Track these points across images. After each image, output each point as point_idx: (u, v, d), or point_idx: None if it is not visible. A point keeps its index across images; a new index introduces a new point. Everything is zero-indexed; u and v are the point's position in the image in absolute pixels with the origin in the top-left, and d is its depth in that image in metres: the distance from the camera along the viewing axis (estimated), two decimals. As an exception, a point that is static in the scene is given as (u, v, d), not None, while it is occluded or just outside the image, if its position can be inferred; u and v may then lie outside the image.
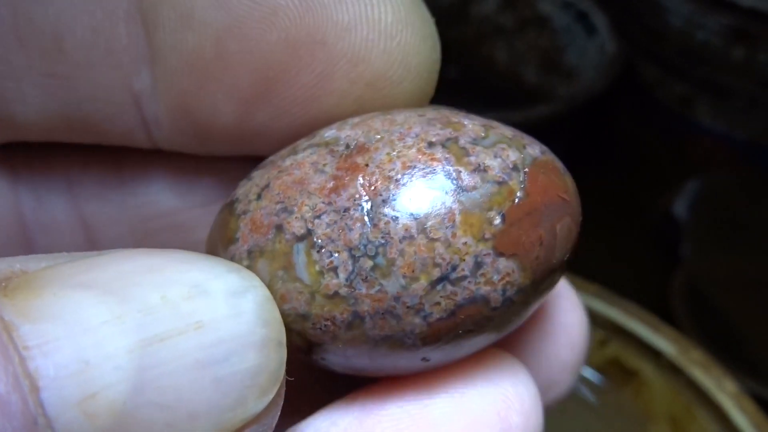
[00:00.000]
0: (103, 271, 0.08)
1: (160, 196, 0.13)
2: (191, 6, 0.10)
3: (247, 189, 0.10)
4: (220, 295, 0.08)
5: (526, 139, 0.10)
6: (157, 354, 0.07)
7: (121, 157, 0.13)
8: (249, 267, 0.09)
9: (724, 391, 0.26)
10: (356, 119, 0.10)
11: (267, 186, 0.10)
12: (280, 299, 0.09)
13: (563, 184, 0.10)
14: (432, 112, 0.10)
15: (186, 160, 0.13)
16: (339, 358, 0.10)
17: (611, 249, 0.41)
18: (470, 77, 0.48)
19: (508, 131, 0.10)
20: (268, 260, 0.09)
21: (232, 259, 0.10)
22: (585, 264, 0.32)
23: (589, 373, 0.29)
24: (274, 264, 0.09)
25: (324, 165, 0.10)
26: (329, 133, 0.10)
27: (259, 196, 0.10)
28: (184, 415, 0.07)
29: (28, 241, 0.12)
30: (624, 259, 0.41)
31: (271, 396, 0.08)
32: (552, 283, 0.10)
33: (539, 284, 0.10)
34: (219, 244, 0.10)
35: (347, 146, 0.10)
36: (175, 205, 0.13)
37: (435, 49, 0.11)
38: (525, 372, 0.10)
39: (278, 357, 0.08)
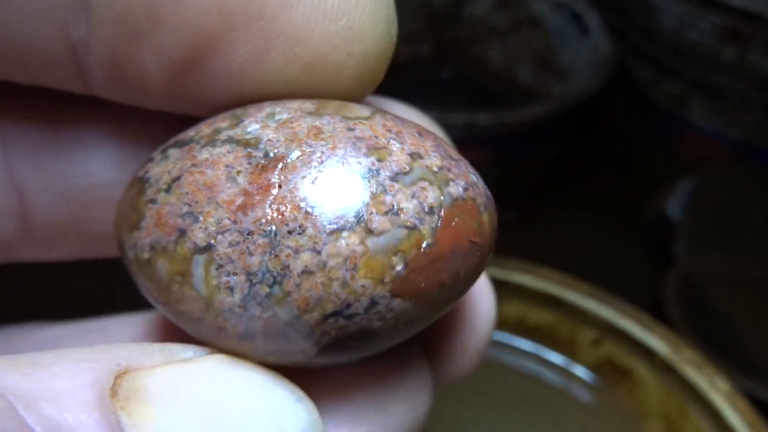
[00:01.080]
0: (197, 387, 0.08)
1: (99, 167, 0.12)
2: None
3: (159, 172, 0.10)
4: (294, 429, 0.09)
5: (454, 171, 0.10)
6: None
7: (60, 119, 0.12)
8: (149, 260, 0.09)
9: (718, 390, 0.26)
10: (284, 115, 0.10)
11: (178, 179, 0.10)
12: (176, 301, 0.09)
13: (477, 226, 0.10)
14: (363, 126, 0.10)
15: (126, 130, 0.12)
16: (230, 351, 0.10)
17: (604, 248, 0.41)
18: (464, 77, 0.48)
19: (437, 160, 0.10)
20: (167, 261, 0.09)
21: (134, 245, 0.10)
22: (578, 263, 0.32)
23: (583, 373, 0.30)
24: (173, 267, 0.09)
25: (238, 173, 0.09)
26: (252, 128, 0.10)
27: (168, 189, 0.10)
28: None
29: None
30: (617, 258, 0.41)
31: None
32: (450, 307, 0.10)
33: (436, 314, 0.10)
34: (124, 225, 0.10)
35: (266, 154, 0.09)
36: (113, 177, 0.12)
37: (388, 36, 0.10)
38: (428, 387, 0.11)
39: None
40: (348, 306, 0.09)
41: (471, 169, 0.10)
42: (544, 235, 0.41)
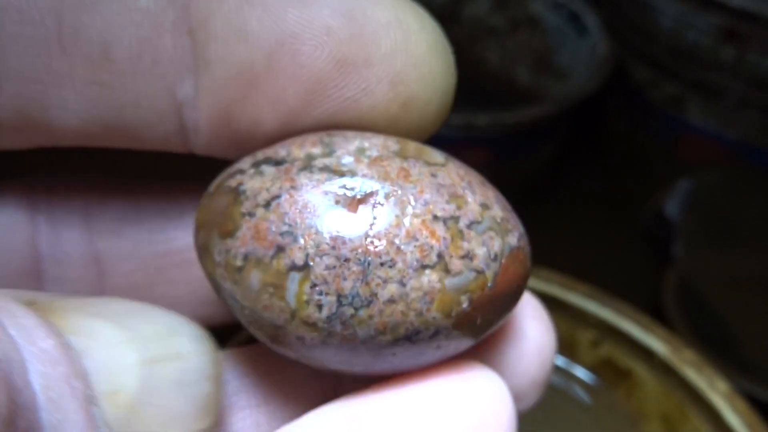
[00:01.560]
0: (105, 307, 0.10)
1: (176, 233, 0.13)
2: (244, 20, 0.10)
3: (256, 187, 0.11)
4: (187, 336, 0.10)
5: (512, 222, 0.11)
6: (153, 370, 0.09)
7: (141, 192, 0.13)
8: (240, 269, 0.10)
9: (717, 391, 0.26)
10: (374, 152, 0.11)
11: (278, 198, 0.10)
12: (262, 308, 0.10)
13: (524, 272, 0.12)
14: (443, 173, 0.11)
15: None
16: (296, 358, 0.11)
17: (603, 249, 0.41)
18: (462, 78, 0.48)
19: (499, 212, 0.11)
20: (262, 273, 0.10)
21: (227, 252, 0.11)
22: (577, 264, 0.32)
23: (582, 373, 0.30)
24: (267, 278, 0.10)
25: (336, 202, 0.10)
26: (346, 160, 0.11)
27: (268, 205, 0.10)
28: (169, 417, 0.09)
29: (39, 273, 0.13)
30: (616, 258, 0.41)
31: (214, 417, 0.10)
32: (489, 331, 0.12)
33: (481, 336, 0.11)
34: (215, 230, 0.11)
35: (361, 191, 0.10)
36: (190, 242, 0.13)
37: (454, 75, 0.12)
38: (503, 386, 0.11)
39: (220, 390, 0.10)
40: (417, 333, 0.10)
41: (518, 219, 0.12)
42: (543, 235, 0.41)
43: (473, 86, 0.47)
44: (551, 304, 0.29)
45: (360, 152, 0.11)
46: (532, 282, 0.29)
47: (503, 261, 0.11)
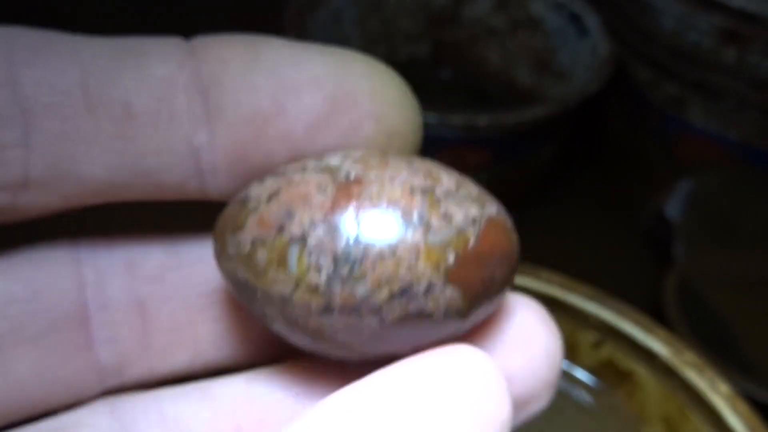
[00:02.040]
0: None
1: (216, 275, 0.14)
2: (252, 77, 0.13)
3: (259, 191, 0.13)
4: None
5: (488, 198, 0.13)
6: None
7: (181, 242, 0.15)
8: (250, 254, 0.12)
9: (718, 393, 0.26)
10: (357, 153, 0.13)
11: (277, 193, 0.12)
12: (270, 282, 0.12)
13: (508, 240, 0.13)
14: (419, 163, 0.13)
15: None
16: (306, 334, 0.12)
17: (603, 249, 0.41)
18: (463, 78, 0.48)
19: (474, 190, 0.13)
20: (267, 251, 0.12)
21: (237, 244, 0.12)
22: (577, 265, 0.32)
23: (583, 375, 0.29)
24: (271, 255, 0.12)
25: (326, 187, 0.12)
26: (334, 160, 0.13)
27: (269, 200, 0.12)
28: None
29: (86, 319, 0.14)
30: (616, 259, 0.41)
31: None
32: (489, 307, 0.13)
33: (476, 308, 0.12)
34: (228, 230, 0.13)
35: (347, 176, 0.12)
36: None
37: (418, 113, 0.14)
38: (493, 363, 0.11)
39: None
40: (411, 286, 0.12)
41: (498, 202, 0.13)
42: (543, 236, 0.41)
43: (473, 87, 0.47)
44: (552, 305, 0.29)
45: (346, 155, 0.13)
46: (533, 283, 0.29)
47: (483, 225, 0.12)
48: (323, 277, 0.12)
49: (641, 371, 0.28)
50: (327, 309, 0.12)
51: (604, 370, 0.29)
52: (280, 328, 0.13)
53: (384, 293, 0.11)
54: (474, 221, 0.12)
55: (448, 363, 0.11)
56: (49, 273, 0.13)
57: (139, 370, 0.14)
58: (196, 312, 0.14)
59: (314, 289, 0.12)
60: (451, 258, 0.12)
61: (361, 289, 0.11)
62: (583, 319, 0.29)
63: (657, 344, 0.27)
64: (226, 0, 0.51)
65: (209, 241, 0.15)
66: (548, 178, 0.44)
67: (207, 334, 0.14)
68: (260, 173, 0.13)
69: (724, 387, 0.26)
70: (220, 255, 0.13)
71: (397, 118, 0.13)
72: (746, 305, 0.36)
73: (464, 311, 0.12)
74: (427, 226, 0.12)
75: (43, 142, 0.12)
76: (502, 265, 0.12)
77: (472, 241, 0.12)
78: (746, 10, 0.35)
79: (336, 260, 0.11)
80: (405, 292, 0.12)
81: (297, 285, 0.12)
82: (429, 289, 0.12)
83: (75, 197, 0.13)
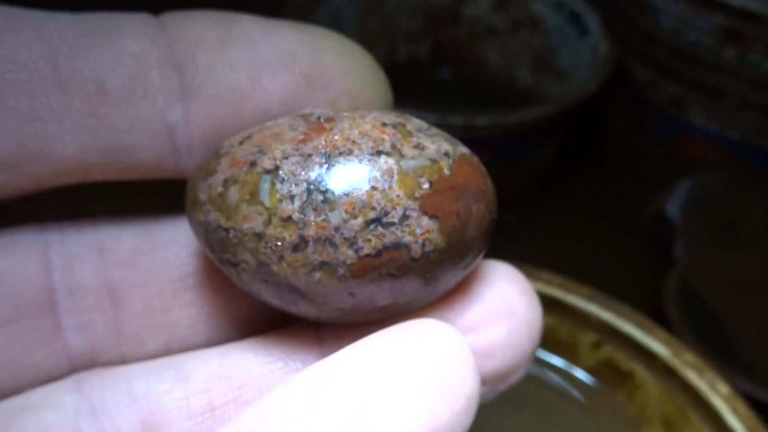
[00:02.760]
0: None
1: (191, 260, 0.14)
2: (227, 53, 0.13)
3: (232, 140, 0.12)
4: None
5: (460, 142, 0.13)
6: None
7: (154, 224, 0.14)
8: (221, 194, 0.12)
9: (718, 394, 0.26)
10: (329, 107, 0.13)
11: (249, 137, 0.12)
12: (242, 219, 0.12)
13: (483, 179, 0.13)
14: (390, 112, 0.13)
15: None
16: (280, 280, 0.12)
17: (603, 250, 0.41)
18: (463, 78, 0.48)
19: (446, 134, 0.13)
20: (239, 187, 0.12)
21: (208, 187, 0.12)
22: (577, 265, 0.32)
23: (583, 376, 0.29)
24: (243, 191, 0.12)
25: (298, 126, 0.12)
26: (308, 110, 0.13)
27: (241, 143, 0.12)
28: None
29: (53, 304, 0.13)
30: (616, 259, 0.41)
31: None
32: (467, 256, 0.12)
33: (454, 249, 0.12)
34: (200, 178, 0.12)
35: (318, 117, 0.12)
36: (205, 266, 0.14)
37: (390, 92, 0.14)
38: (461, 338, 0.11)
39: None
40: (386, 214, 0.11)
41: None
42: (543, 237, 0.41)
43: (474, 86, 0.47)
44: (552, 305, 0.29)
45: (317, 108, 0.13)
46: (533, 284, 0.29)
47: (456, 158, 0.12)
48: (296, 204, 0.11)
49: (641, 372, 0.28)
50: (301, 241, 0.11)
51: (604, 371, 0.29)
52: (252, 279, 0.12)
53: (359, 221, 0.11)
54: (447, 154, 0.12)
55: (416, 338, 0.11)
56: (14, 258, 0.13)
57: (111, 356, 0.14)
58: (170, 296, 0.14)
59: (287, 220, 0.11)
60: (425, 185, 0.11)
61: (334, 217, 0.11)
62: (583, 320, 0.29)
63: (657, 345, 0.27)
64: (227, 0, 0.52)
65: (183, 223, 0.14)
66: (548, 179, 0.44)
67: (182, 319, 0.14)
68: None
69: (724, 388, 0.26)
70: (192, 205, 0.12)
71: (370, 95, 0.13)
72: (747, 305, 0.36)
73: (442, 248, 0.12)
74: (399, 154, 0.12)
75: (11, 120, 0.12)
76: (479, 202, 0.12)
77: (446, 171, 0.12)
78: (747, 10, 0.35)
79: (309, 188, 0.11)
80: (379, 219, 0.11)
81: (270, 218, 0.11)
82: (404, 217, 0.11)
83: (46, 178, 0.13)
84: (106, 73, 0.12)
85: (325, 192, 0.11)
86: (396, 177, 0.11)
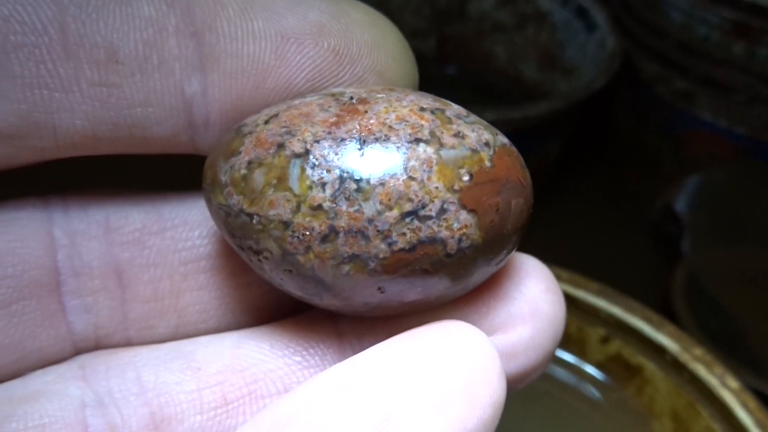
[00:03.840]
0: None
1: (203, 241, 0.13)
2: (250, 20, 0.12)
3: (256, 118, 0.11)
4: None
5: (499, 131, 0.12)
6: None
7: (163, 203, 0.13)
8: (245, 176, 0.11)
9: (727, 388, 0.25)
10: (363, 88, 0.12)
11: (276, 115, 0.11)
12: (268, 204, 0.11)
13: (522, 171, 0.12)
14: (427, 95, 0.12)
15: None
16: (305, 271, 0.11)
17: (611, 245, 0.41)
18: (469, 74, 0.48)
19: (484, 122, 0.12)
20: (265, 170, 0.11)
21: (231, 168, 0.11)
22: (585, 261, 0.32)
23: (592, 370, 0.29)
24: (270, 174, 0.11)
25: (329, 107, 0.11)
26: (337, 89, 0.12)
27: (267, 122, 0.11)
28: None
29: (57, 285, 0.12)
30: (624, 255, 0.41)
31: None
32: (502, 252, 0.12)
33: (490, 246, 0.11)
34: (221, 157, 0.11)
35: (351, 98, 0.11)
36: (217, 248, 0.13)
37: (416, 68, 0.14)
38: (490, 344, 0.11)
39: None
40: (423, 206, 0.10)
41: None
42: (551, 232, 0.41)
43: (480, 82, 0.47)
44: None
45: (347, 86, 0.12)
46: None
47: (496, 149, 0.11)
48: (327, 192, 0.10)
49: (650, 366, 0.28)
50: (331, 232, 0.10)
51: (613, 366, 0.29)
52: (275, 269, 0.11)
53: (394, 213, 0.10)
54: (487, 144, 0.11)
55: (444, 342, 0.10)
56: (16, 235, 0.12)
57: (116, 340, 0.13)
58: (180, 279, 0.13)
59: (317, 209, 0.10)
60: (465, 177, 0.11)
61: (368, 208, 0.10)
62: (591, 315, 0.29)
63: (666, 340, 0.27)
64: None
65: (195, 201, 0.13)
66: (555, 174, 0.44)
67: (192, 303, 0.13)
68: None
69: (733, 382, 0.26)
70: (211, 186, 0.11)
71: (397, 72, 0.13)
72: (755, 301, 0.36)
73: (479, 243, 0.11)
74: (439, 143, 0.11)
75: (14, 88, 0.11)
76: (519, 195, 0.11)
77: (487, 163, 0.11)
78: (756, 4, 0.35)
79: (342, 176, 0.10)
80: (416, 212, 0.10)
81: (298, 206, 0.10)
82: (442, 210, 0.11)
83: (50, 151, 0.12)
84: (118, 38, 0.11)
85: (359, 180, 0.10)
86: (435, 167, 0.11)
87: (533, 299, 0.13)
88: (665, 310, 0.31)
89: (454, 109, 0.12)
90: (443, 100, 0.12)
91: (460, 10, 0.47)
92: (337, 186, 0.10)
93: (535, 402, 0.28)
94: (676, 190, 0.39)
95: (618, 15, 0.41)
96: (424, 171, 0.10)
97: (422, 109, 0.11)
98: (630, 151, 0.46)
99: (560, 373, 0.29)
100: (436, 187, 0.10)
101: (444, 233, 0.11)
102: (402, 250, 0.11)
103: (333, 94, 0.12)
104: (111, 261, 0.13)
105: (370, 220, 0.10)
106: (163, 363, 0.13)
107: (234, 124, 0.12)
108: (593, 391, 0.29)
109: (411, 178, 0.10)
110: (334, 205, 0.10)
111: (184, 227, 0.13)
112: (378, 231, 0.10)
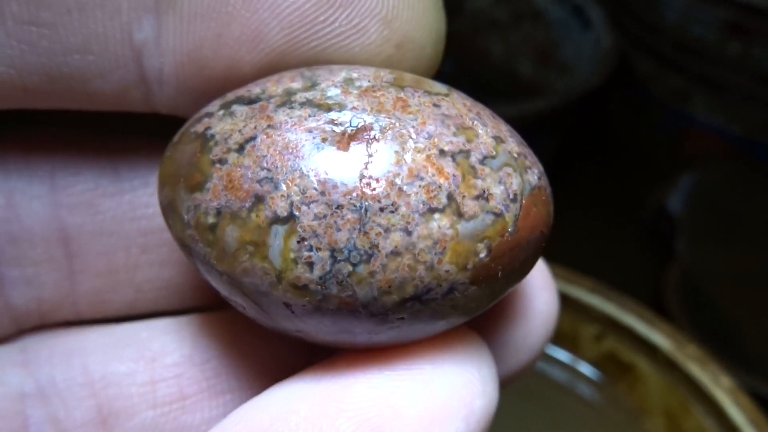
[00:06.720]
0: None
1: None
2: None
3: (227, 129, 0.09)
4: None
5: (530, 159, 0.10)
6: None
7: (121, 156, 0.11)
8: (213, 227, 0.09)
9: (720, 386, 0.26)
10: (365, 83, 0.09)
11: (253, 140, 0.09)
12: (241, 271, 0.09)
13: (547, 216, 0.10)
14: (447, 103, 0.10)
15: None
16: (284, 328, 0.09)
17: (606, 243, 0.41)
18: (465, 71, 0.48)
19: (515, 146, 0.10)
20: (239, 229, 0.09)
21: (196, 208, 0.09)
22: (580, 258, 0.32)
23: (585, 368, 0.29)
24: (245, 235, 0.09)
25: (323, 140, 0.09)
26: (332, 92, 0.09)
27: (241, 149, 0.09)
28: None
29: None
30: (619, 253, 0.41)
31: None
32: (505, 293, 0.10)
33: (497, 296, 0.10)
34: (182, 184, 0.09)
35: (351, 122, 0.09)
36: None
37: (443, 19, 0.11)
38: (489, 354, 0.10)
39: None
40: (428, 291, 0.09)
41: (535, 156, 0.10)
42: (545, 229, 0.41)
43: (476, 79, 0.47)
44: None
45: (347, 83, 0.09)
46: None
47: (524, 201, 0.09)
48: (315, 274, 0.08)
49: (643, 364, 0.28)
50: (317, 311, 0.09)
51: (606, 363, 0.29)
52: (246, 313, 0.10)
53: (393, 298, 0.09)
54: (515, 198, 0.09)
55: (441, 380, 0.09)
56: None
57: (63, 316, 0.11)
58: (138, 252, 0.11)
59: (302, 288, 0.09)
60: (483, 253, 0.09)
61: (364, 293, 0.09)
62: (585, 312, 0.29)
63: (659, 337, 0.27)
64: None
65: (159, 157, 0.11)
66: (549, 171, 0.44)
67: (150, 279, 0.11)
68: (221, 89, 0.10)
69: (726, 381, 0.26)
70: (169, 211, 0.09)
71: (411, 22, 0.10)
72: (748, 299, 0.36)
73: (484, 305, 0.10)
74: (457, 212, 0.09)
75: None
76: (539, 246, 0.10)
77: (510, 227, 0.09)
78: (751, 4, 0.35)
79: (335, 255, 0.08)
80: (419, 297, 0.09)
81: (279, 280, 0.09)
82: (450, 291, 0.09)
83: None
84: None
85: (356, 264, 0.08)
86: (449, 246, 0.09)
87: (527, 296, 0.12)
88: (659, 308, 0.31)
89: (480, 143, 0.09)
90: (468, 117, 0.09)
91: (457, 7, 0.47)
92: (328, 268, 0.08)
93: (528, 399, 0.28)
94: (670, 188, 0.40)
95: (614, 13, 0.41)
96: (435, 254, 0.09)
97: (442, 153, 0.09)
98: (625, 150, 0.46)
99: (553, 370, 0.30)
100: (447, 271, 0.09)
101: (447, 309, 0.09)
102: (396, 327, 0.09)
103: (328, 107, 0.09)
104: (56, 226, 0.11)
105: (365, 305, 0.09)
106: (114, 350, 0.11)
107: (193, 87, 0.10)
108: (586, 389, 0.29)
109: (418, 262, 0.09)
110: (323, 288, 0.09)
111: (145, 190, 0.11)
112: (372, 314, 0.09)
